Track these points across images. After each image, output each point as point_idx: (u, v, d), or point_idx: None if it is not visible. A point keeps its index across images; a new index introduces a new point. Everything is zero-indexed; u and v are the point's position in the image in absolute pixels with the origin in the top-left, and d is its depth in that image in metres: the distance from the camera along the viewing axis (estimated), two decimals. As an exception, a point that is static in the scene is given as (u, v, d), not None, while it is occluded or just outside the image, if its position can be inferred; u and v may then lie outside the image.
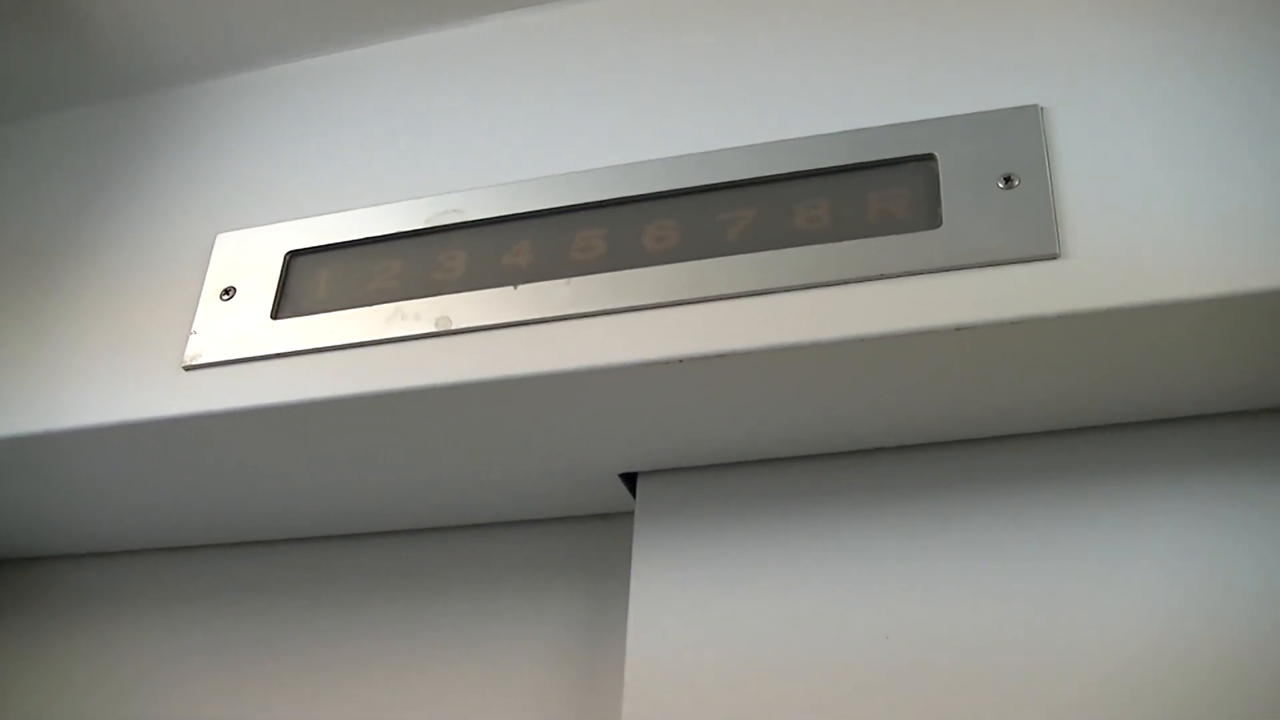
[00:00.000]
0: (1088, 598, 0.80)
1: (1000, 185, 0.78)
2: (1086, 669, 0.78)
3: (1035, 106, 0.80)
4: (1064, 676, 0.78)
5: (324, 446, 0.92)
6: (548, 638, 0.97)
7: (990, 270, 0.76)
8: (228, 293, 0.93)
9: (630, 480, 0.94)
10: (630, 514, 0.94)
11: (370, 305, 0.88)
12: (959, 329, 0.75)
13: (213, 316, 0.92)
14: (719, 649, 0.85)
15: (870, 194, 0.81)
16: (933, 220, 0.78)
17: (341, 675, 1.00)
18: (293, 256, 0.94)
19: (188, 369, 0.91)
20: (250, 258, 0.94)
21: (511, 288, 0.85)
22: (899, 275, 0.77)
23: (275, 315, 0.91)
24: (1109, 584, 0.81)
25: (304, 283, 0.92)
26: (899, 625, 0.83)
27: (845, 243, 0.79)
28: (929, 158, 0.81)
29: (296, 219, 0.95)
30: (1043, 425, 0.86)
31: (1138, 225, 0.75)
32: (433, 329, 0.85)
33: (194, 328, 0.92)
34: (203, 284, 0.95)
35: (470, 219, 0.89)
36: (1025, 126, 0.80)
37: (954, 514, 0.86)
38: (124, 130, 1.08)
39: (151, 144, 1.05)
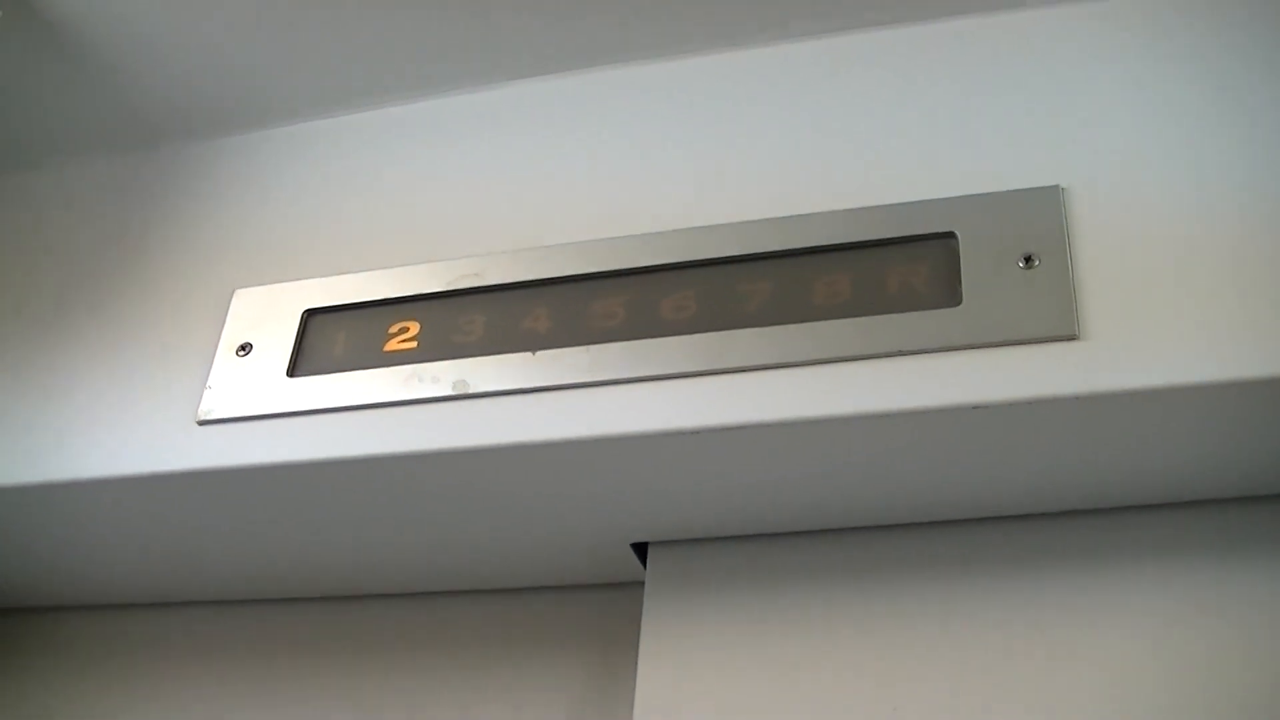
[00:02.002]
0: (1092, 678, 0.80)
1: (1020, 265, 0.78)
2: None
3: (1056, 187, 0.81)
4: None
5: (336, 506, 0.92)
6: (555, 705, 0.96)
7: (1009, 349, 0.76)
8: (244, 349, 0.94)
9: (641, 550, 0.94)
10: (640, 584, 0.93)
11: (387, 366, 0.88)
12: (976, 407, 0.75)
13: (229, 372, 0.93)
14: (727, 720, 0.85)
15: (890, 270, 0.81)
16: (952, 298, 0.79)
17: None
18: (310, 315, 0.94)
19: (202, 424, 0.91)
20: (268, 314, 0.95)
21: (530, 353, 0.85)
22: (917, 352, 0.77)
23: (291, 373, 0.91)
24: (1112, 664, 0.80)
25: (321, 341, 0.92)
26: (905, 700, 0.82)
27: (864, 318, 0.80)
28: (950, 235, 0.81)
29: (315, 277, 0.95)
30: (1055, 506, 0.86)
31: (1156, 308, 0.75)
32: (450, 392, 0.85)
33: (209, 383, 0.92)
34: (219, 339, 0.95)
35: (490, 283, 0.90)
36: (1046, 206, 0.80)
37: (963, 591, 0.86)
38: (147, 181, 1.09)
39: (173, 196, 1.06)
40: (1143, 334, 0.74)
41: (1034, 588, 0.84)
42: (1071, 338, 0.75)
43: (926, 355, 0.77)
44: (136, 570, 1.07)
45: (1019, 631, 0.83)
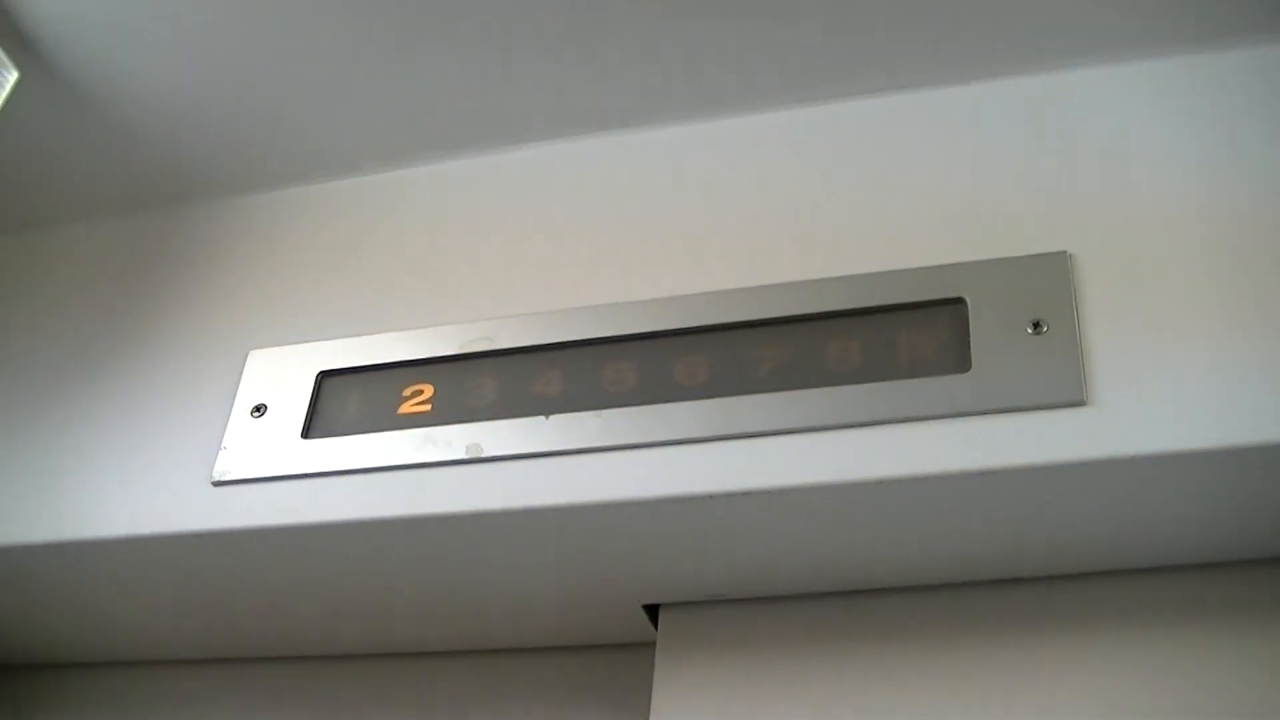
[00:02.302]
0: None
1: (1029, 330, 0.79)
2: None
3: (1064, 253, 0.81)
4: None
5: (349, 567, 0.92)
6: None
7: (1018, 415, 0.77)
8: (259, 410, 0.94)
9: (652, 611, 0.94)
10: (651, 644, 0.93)
11: (401, 429, 0.89)
12: (985, 473, 0.75)
13: (243, 433, 0.93)
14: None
15: (900, 335, 0.82)
16: (962, 364, 0.79)
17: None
18: (325, 376, 0.94)
19: (217, 484, 0.91)
20: (282, 376, 0.95)
21: (543, 417, 0.86)
22: (927, 418, 0.78)
23: (306, 434, 0.92)
24: None
25: (335, 403, 0.93)
26: None
27: (875, 384, 0.80)
28: (959, 301, 0.82)
29: (329, 339, 0.96)
30: (1064, 569, 0.86)
31: (1163, 373, 0.75)
32: (464, 456, 0.86)
33: (224, 443, 0.93)
34: (234, 400, 0.95)
35: (502, 347, 0.90)
36: (1054, 273, 0.81)
37: (972, 654, 0.86)
38: (163, 241, 1.10)
39: (188, 256, 1.07)
40: (1150, 400, 0.75)
41: (1045, 650, 0.85)
42: (1080, 404, 0.76)
43: (936, 421, 0.78)
44: (148, 629, 1.07)
45: (1029, 694, 0.83)
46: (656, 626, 0.94)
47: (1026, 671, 0.84)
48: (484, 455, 0.85)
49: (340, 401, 0.93)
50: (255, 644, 1.08)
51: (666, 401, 0.84)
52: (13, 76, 0.99)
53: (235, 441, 0.93)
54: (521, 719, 1.00)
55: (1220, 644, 0.82)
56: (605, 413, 0.85)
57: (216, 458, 0.93)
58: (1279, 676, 0.80)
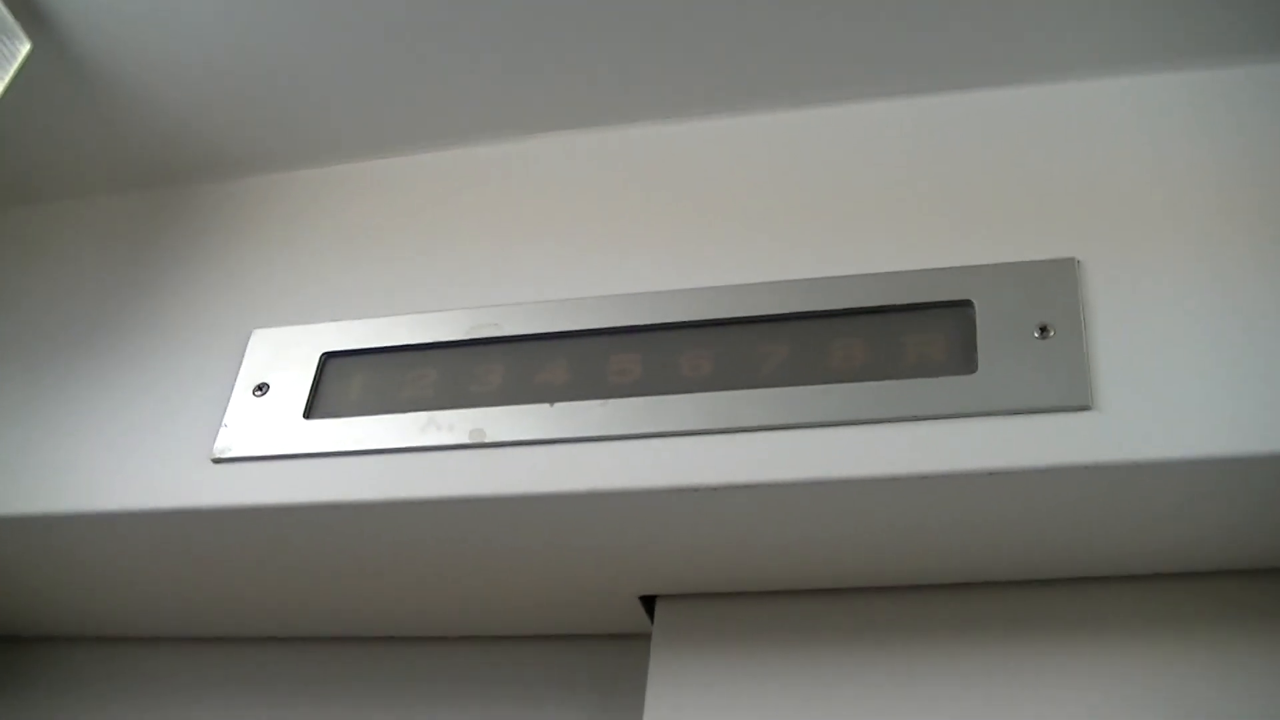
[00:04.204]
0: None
1: (1036, 335, 0.79)
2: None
3: (1072, 259, 0.82)
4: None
5: (346, 548, 0.92)
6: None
7: (1023, 418, 0.77)
8: (261, 389, 0.94)
9: (649, 603, 0.95)
10: (647, 636, 0.93)
11: (404, 412, 0.89)
12: (991, 474, 0.76)
13: (245, 411, 0.93)
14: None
15: (907, 336, 0.82)
16: (969, 365, 0.80)
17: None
18: (328, 358, 0.94)
19: (216, 461, 0.91)
20: (285, 356, 0.95)
21: (548, 405, 0.86)
22: (933, 418, 0.78)
23: (308, 415, 0.92)
24: None
25: (338, 385, 0.93)
26: None
27: (879, 382, 0.80)
28: (967, 304, 0.82)
29: (334, 320, 0.96)
30: (1065, 572, 0.87)
31: (1169, 380, 0.76)
32: (466, 441, 0.86)
33: (225, 421, 0.93)
34: (236, 378, 0.95)
35: (509, 334, 0.90)
36: (1061, 278, 0.81)
37: (970, 655, 0.86)
38: (169, 219, 1.09)
39: (195, 235, 1.07)
40: (1155, 406, 0.75)
41: (1043, 653, 0.85)
42: (1085, 408, 0.76)
43: (940, 421, 0.78)
44: (136, 605, 1.07)
45: (1025, 697, 0.83)
46: (653, 618, 0.94)
47: (1025, 674, 0.84)
48: (486, 441, 0.85)
49: (343, 383, 0.93)
50: (243, 624, 1.08)
51: (671, 393, 0.84)
52: (25, 47, 0.99)
53: (236, 420, 0.93)
54: (514, 706, 1.00)
55: (1221, 652, 0.82)
56: (610, 402, 0.85)
57: (217, 435, 0.92)
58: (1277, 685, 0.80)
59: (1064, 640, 0.85)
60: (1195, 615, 0.83)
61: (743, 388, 0.83)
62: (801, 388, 0.82)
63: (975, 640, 0.86)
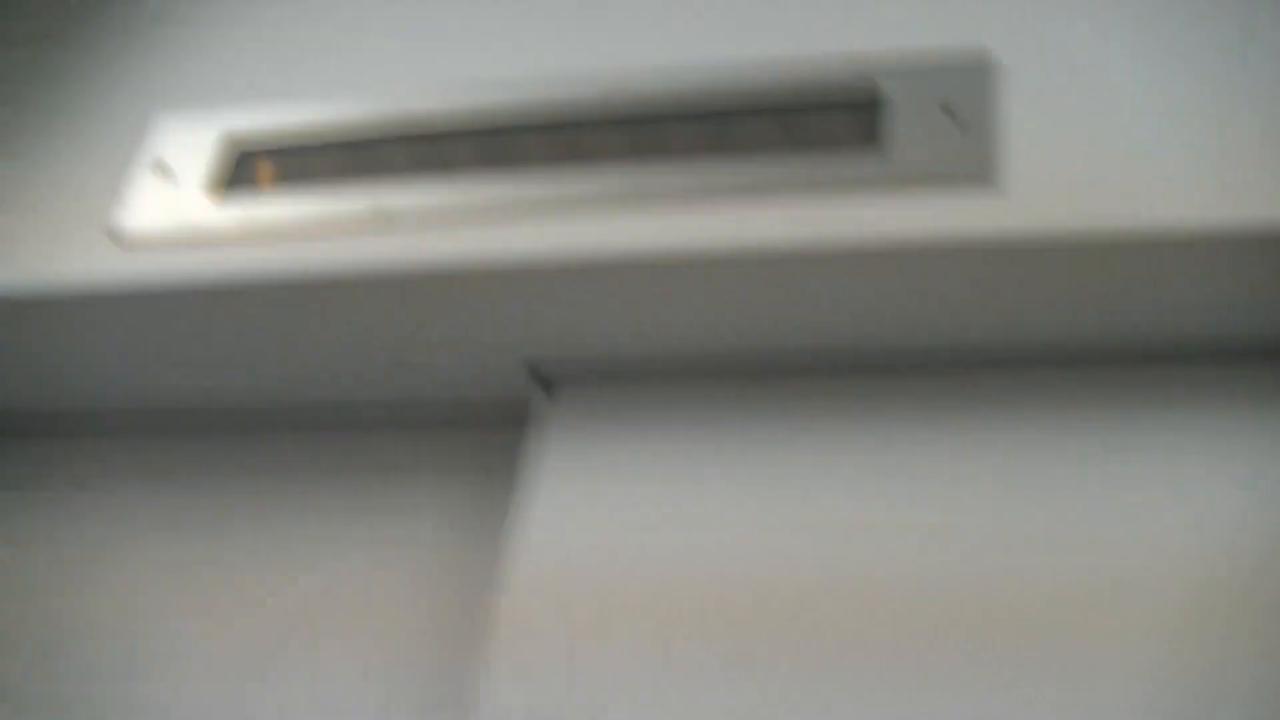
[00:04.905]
0: (1001, 532, 0.81)
1: (943, 114, 0.79)
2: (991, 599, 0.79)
3: (982, 44, 0.82)
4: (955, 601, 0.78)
5: (248, 327, 0.91)
6: (442, 533, 0.96)
7: (928, 193, 0.77)
8: (163, 170, 0.92)
9: (546, 385, 0.94)
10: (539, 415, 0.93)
11: (309, 192, 0.87)
12: (891, 248, 0.76)
13: (146, 193, 0.91)
14: (610, 559, 0.84)
15: (813, 116, 0.82)
16: (873, 142, 0.79)
17: (225, 567, 0.98)
18: (231, 139, 0.92)
19: (117, 242, 0.89)
20: (188, 138, 0.93)
21: (451, 181, 0.85)
22: (837, 192, 0.78)
23: (211, 196, 0.90)
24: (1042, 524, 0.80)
25: (242, 166, 0.91)
26: (801, 550, 0.82)
27: (783, 157, 0.80)
28: (872, 84, 0.82)
29: (238, 102, 0.94)
30: (981, 358, 0.86)
31: (1078, 158, 0.76)
32: (370, 217, 0.85)
33: (125, 202, 0.91)
34: (136, 160, 0.93)
35: (417, 113, 0.89)
36: (971, 61, 0.81)
37: (866, 440, 0.85)
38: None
39: (94, 13, 1.04)
40: (1062, 183, 0.75)
41: (938, 439, 0.85)
42: (990, 184, 0.76)
43: (846, 196, 0.78)
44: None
45: (917, 476, 0.83)
46: (548, 395, 0.93)
47: (920, 457, 0.84)
48: (391, 216, 0.84)
49: (246, 164, 0.91)
50: (124, 415, 1.06)
51: (580, 165, 0.83)
52: None
53: (138, 201, 0.91)
54: (400, 484, 0.99)
55: (1131, 437, 0.82)
56: (515, 175, 0.84)
57: (117, 216, 0.90)
58: (1156, 469, 0.81)
59: (961, 427, 0.85)
60: (1118, 400, 0.83)
61: (651, 163, 0.82)
62: (707, 161, 0.81)
63: (869, 425, 0.86)
